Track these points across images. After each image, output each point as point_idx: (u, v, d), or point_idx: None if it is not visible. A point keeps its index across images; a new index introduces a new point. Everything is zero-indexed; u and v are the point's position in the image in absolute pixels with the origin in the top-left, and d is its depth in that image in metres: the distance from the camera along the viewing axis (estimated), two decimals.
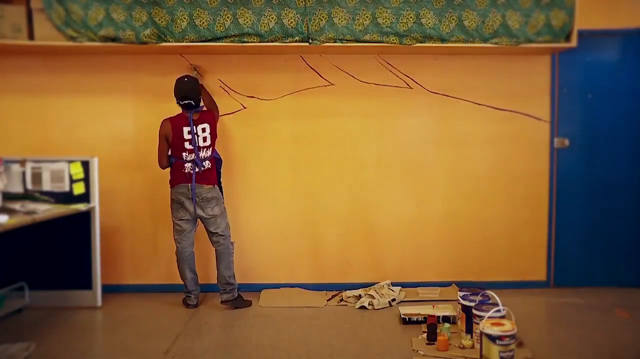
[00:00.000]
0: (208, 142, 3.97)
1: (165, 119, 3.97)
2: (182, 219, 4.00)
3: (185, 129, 3.93)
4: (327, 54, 4.35)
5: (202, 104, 4.09)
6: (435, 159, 4.47)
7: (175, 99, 3.96)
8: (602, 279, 4.49)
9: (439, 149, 4.46)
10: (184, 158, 3.93)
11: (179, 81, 3.96)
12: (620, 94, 4.43)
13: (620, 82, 4.43)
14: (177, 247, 4.06)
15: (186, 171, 3.94)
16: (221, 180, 4.15)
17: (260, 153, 4.43)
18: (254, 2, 3.95)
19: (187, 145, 3.92)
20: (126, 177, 4.40)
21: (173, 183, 4.00)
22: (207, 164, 3.97)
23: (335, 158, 4.45)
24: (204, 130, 3.95)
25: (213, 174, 4.02)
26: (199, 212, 3.96)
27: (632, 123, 4.44)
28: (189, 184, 3.92)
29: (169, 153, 4.00)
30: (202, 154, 3.94)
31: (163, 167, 4.02)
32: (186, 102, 3.94)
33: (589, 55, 4.40)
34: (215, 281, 4.14)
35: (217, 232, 4.03)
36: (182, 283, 4.12)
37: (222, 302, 4.05)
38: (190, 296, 4.11)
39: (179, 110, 4.01)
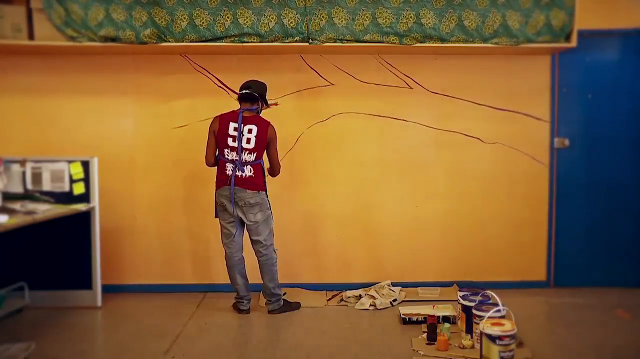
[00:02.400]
0: (252, 145, 3.76)
1: (216, 116, 3.87)
2: (228, 222, 3.85)
3: (232, 125, 3.77)
4: (327, 54, 4.35)
5: (259, 108, 3.91)
6: (435, 159, 4.47)
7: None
8: (602, 279, 4.49)
9: (439, 149, 4.46)
10: (226, 156, 3.79)
11: (249, 79, 3.90)
12: (620, 94, 4.43)
13: (620, 82, 4.43)
14: (225, 252, 3.91)
15: (228, 171, 3.79)
16: (267, 188, 3.92)
17: None
18: (254, 2, 3.95)
19: (230, 141, 3.77)
20: (126, 177, 4.40)
21: (217, 185, 3.85)
22: (249, 169, 3.77)
23: (335, 158, 4.45)
24: (250, 131, 3.77)
25: (258, 181, 3.81)
26: (241, 216, 3.82)
27: (632, 123, 4.44)
28: (230, 188, 3.76)
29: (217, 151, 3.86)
30: (244, 156, 3.77)
31: (209, 165, 3.88)
32: (244, 91, 3.81)
33: (589, 55, 4.40)
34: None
35: (259, 240, 3.86)
36: (234, 287, 3.95)
37: (269, 312, 3.93)
38: (242, 302, 3.95)
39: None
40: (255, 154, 3.78)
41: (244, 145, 3.76)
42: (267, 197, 3.90)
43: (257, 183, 3.81)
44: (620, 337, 3.49)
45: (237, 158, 3.76)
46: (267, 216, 3.89)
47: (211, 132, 3.84)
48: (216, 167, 3.87)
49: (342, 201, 4.48)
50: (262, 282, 3.94)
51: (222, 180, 3.82)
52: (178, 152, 4.39)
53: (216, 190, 3.87)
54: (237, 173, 3.76)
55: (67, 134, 4.36)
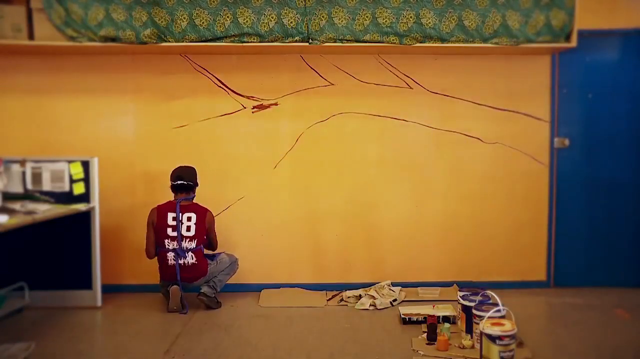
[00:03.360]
0: (192, 233, 3.93)
1: (153, 207, 4.02)
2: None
3: (170, 215, 3.94)
4: (327, 54, 4.35)
5: (194, 195, 4.08)
6: (435, 159, 4.47)
7: (170, 184, 4.03)
8: (602, 279, 4.49)
9: (439, 149, 4.46)
10: (166, 246, 3.93)
11: (178, 167, 4.05)
12: (620, 94, 4.44)
13: (620, 82, 4.43)
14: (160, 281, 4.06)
15: (170, 261, 3.92)
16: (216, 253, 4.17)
17: (260, 153, 4.43)
18: (254, 2, 3.95)
19: (169, 231, 3.92)
20: (126, 177, 4.40)
21: (161, 276, 4.01)
22: (191, 256, 3.92)
23: (335, 158, 4.45)
24: (189, 219, 3.95)
25: (202, 265, 3.96)
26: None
27: (632, 123, 4.44)
28: (177, 284, 3.91)
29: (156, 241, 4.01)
30: (185, 244, 3.92)
31: (150, 257, 4.02)
32: (178, 182, 3.98)
33: (589, 55, 4.40)
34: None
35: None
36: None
37: (204, 295, 3.97)
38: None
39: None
40: (196, 241, 3.96)
41: (184, 233, 3.93)
42: (219, 257, 4.10)
43: (201, 268, 3.97)
44: (620, 337, 3.49)
45: (177, 247, 3.90)
46: (228, 264, 4.12)
47: (150, 223, 4.00)
48: (156, 258, 4.02)
49: (342, 201, 4.48)
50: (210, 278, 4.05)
51: (166, 273, 3.96)
52: (178, 152, 4.39)
53: (161, 280, 4.04)
54: (179, 261, 3.91)
55: (67, 134, 4.36)
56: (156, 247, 3.99)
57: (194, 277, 3.96)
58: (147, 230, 4.01)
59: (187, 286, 3.99)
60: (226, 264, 4.12)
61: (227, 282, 4.38)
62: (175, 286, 3.92)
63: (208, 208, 4.06)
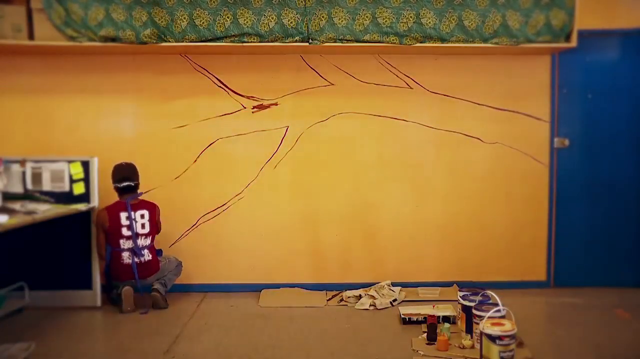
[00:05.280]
0: (147, 230, 4.00)
1: (100, 209, 4.00)
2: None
3: (123, 215, 3.94)
4: (327, 54, 4.35)
5: (141, 193, 4.14)
6: (435, 159, 4.47)
7: (113, 184, 4.04)
8: (602, 279, 4.49)
9: (439, 149, 4.46)
10: (122, 246, 3.93)
11: (117, 166, 4.05)
12: (620, 94, 4.44)
13: (620, 82, 4.43)
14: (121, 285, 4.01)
15: (125, 261, 3.93)
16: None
17: (260, 153, 4.43)
18: (254, 2, 3.95)
19: (124, 231, 3.93)
20: None
21: (115, 279, 3.99)
22: (146, 253, 3.98)
23: (335, 158, 4.45)
24: (142, 216, 4.00)
25: (154, 261, 4.04)
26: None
27: (632, 123, 4.44)
28: (133, 281, 3.93)
29: (107, 242, 4.01)
30: (141, 241, 3.96)
31: (103, 259, 4.00)
32: (125, 184, 3.99)
33: (589, 55, 4.40)
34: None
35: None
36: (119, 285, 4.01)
37: (153, 290, 3.99)
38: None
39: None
40: (150, 237, 4.03)
41: (139, 231, 3.96)
42: (165, 255, 4.19)
43: (155, 264, 4.05)
44: (620, 337, 3.49)
45: (134, 245, 3.93)
46: (176, 265, 4.20)
47: (100, 227, 3.96)
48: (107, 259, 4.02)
49: (342, 201, 4.48)
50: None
51: (121, 273, 3.95)
52: (178, 152, 4.39)
53: (114, 281, 4.01)
54: (136, 259, 3.94)
55: (67, 134, 4.36)
56: (107, 248, 3.99)
57: (149, 274, 4.00)
58: (97, 233, 3.99)
59: (143, 283, 3.98)
60: (174, 264, 4.18)
61: (227, 282, 4.41)
62: (127, 287, 3.91)
63: (154, 202, 4.13)
